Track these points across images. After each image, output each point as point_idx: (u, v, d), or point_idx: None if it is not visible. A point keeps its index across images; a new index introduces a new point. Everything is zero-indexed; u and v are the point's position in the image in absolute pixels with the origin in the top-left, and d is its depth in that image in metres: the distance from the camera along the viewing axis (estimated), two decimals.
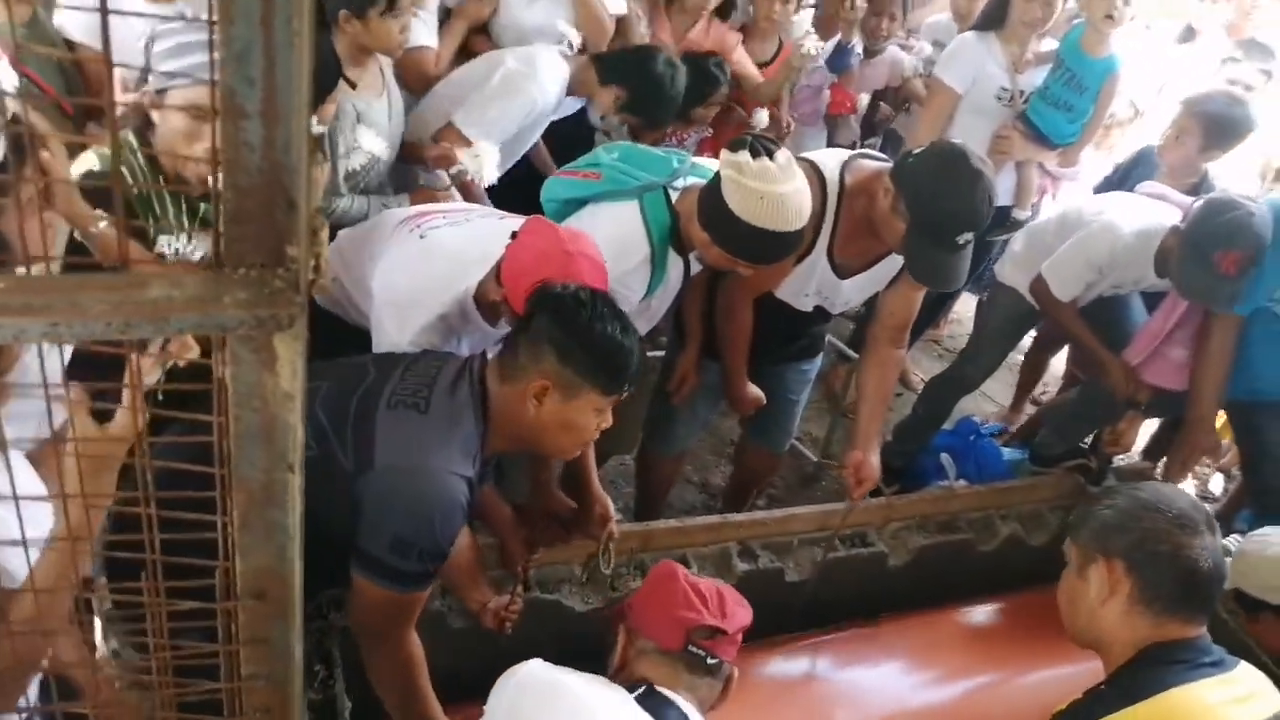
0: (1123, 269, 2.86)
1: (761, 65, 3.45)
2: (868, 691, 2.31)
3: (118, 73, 1.94)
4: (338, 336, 2.02)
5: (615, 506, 2.24)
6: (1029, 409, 4.06)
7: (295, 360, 0.71)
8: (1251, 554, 2.11)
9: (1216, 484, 4.00)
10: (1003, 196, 3.26)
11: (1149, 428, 3.56)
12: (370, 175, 2.52)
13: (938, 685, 2.32)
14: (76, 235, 1.65)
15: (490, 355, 1.75)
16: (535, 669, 1.41)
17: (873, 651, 2.37)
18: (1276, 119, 3.61)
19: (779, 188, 1.94)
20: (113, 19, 0.64)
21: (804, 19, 3.32)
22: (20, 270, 0.75)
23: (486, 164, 2.50)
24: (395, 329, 1.94)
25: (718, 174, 2.01)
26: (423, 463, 1.55)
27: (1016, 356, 3.91)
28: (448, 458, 1.57)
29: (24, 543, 0.88)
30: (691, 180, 2.16)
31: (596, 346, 1.60)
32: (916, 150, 2.17)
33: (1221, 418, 3.03)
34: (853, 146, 3.76)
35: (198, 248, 1.85)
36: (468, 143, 2.54)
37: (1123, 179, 3.36)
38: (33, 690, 1.22)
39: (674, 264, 2.21)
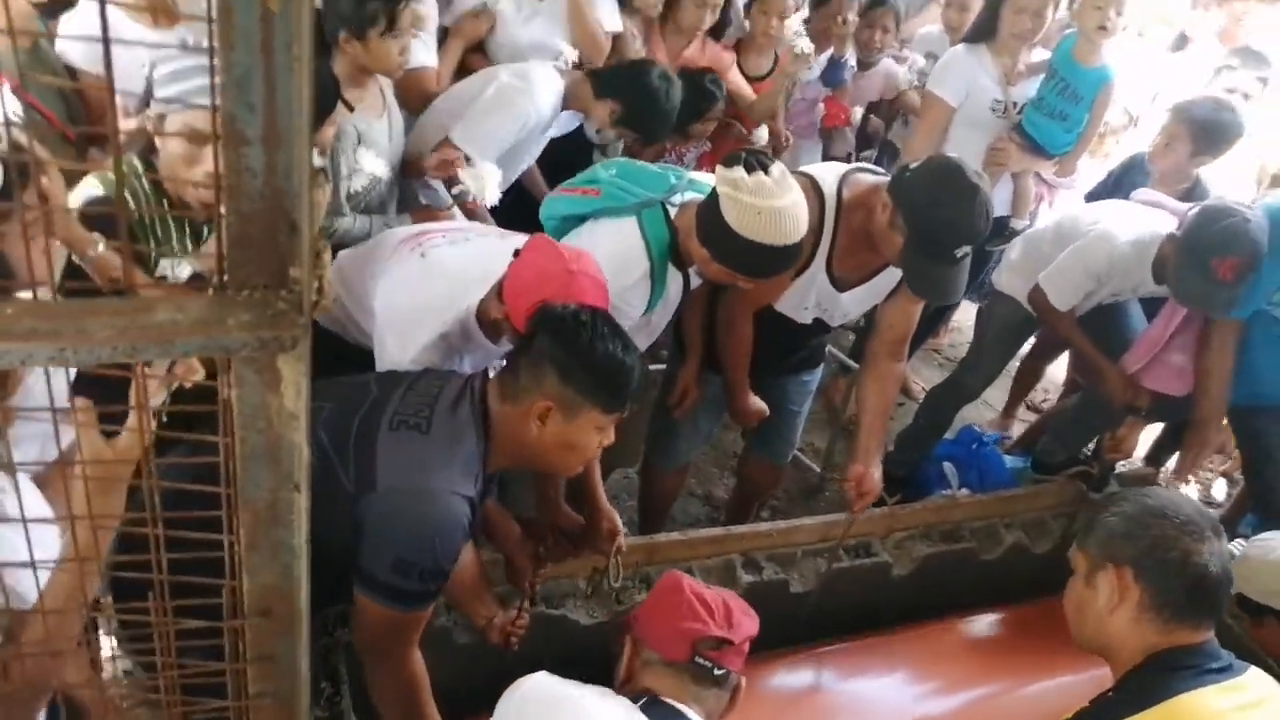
0: (1121, 277, 2.87)
1: (757, 80, 3.46)
2: (872, 702, 2.31)
3: (119, 98, 1.96)
4: (339, 355, 2.02)
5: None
6: (1022, 415, 4.06)
7: (299, 381, 0.72)
8: (1255, 559, 2.11)
9: (1220, 490, 3.99)
10: (1000, 206, 3.27)
11: (1150, 433, 3.57)
12: (372, 195, 2.54)
13: (942, 695, 2.32)
14: (74, 259, 1.66)
15: (491, 374, 1.76)
16: (540, 681, 1.41)
17: (877, 662, 2.37)
18: (1272, 125, 3.64)
19: (776, 202, 1.95)
20: (114, 46, 0.65)
21: (794, 20, 3.33)
22: (25, 294, 0.77)
23: (489, 184, 2.51)
24: (397, 348, 1.95)
25: (714, 190, 2.02)
26: (424, 484, 1.56)
27: (1017, 364, 3.92)
28: (449, 478, 1.58)
29: (33, 565, 0.89)
30: (689, 196, 2.18)
31: (598, 366, 1.61)
32: (913, 164, 2.17)
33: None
34: (848, 158, 3.79)
35: (185, 267, 1.86)
36: (464, 157, 2.56)
37: (1115, 186, 3.37)
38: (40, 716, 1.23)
39: (673, 279, 2.22)
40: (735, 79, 3.41)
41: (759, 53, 3.52)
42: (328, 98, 2.19)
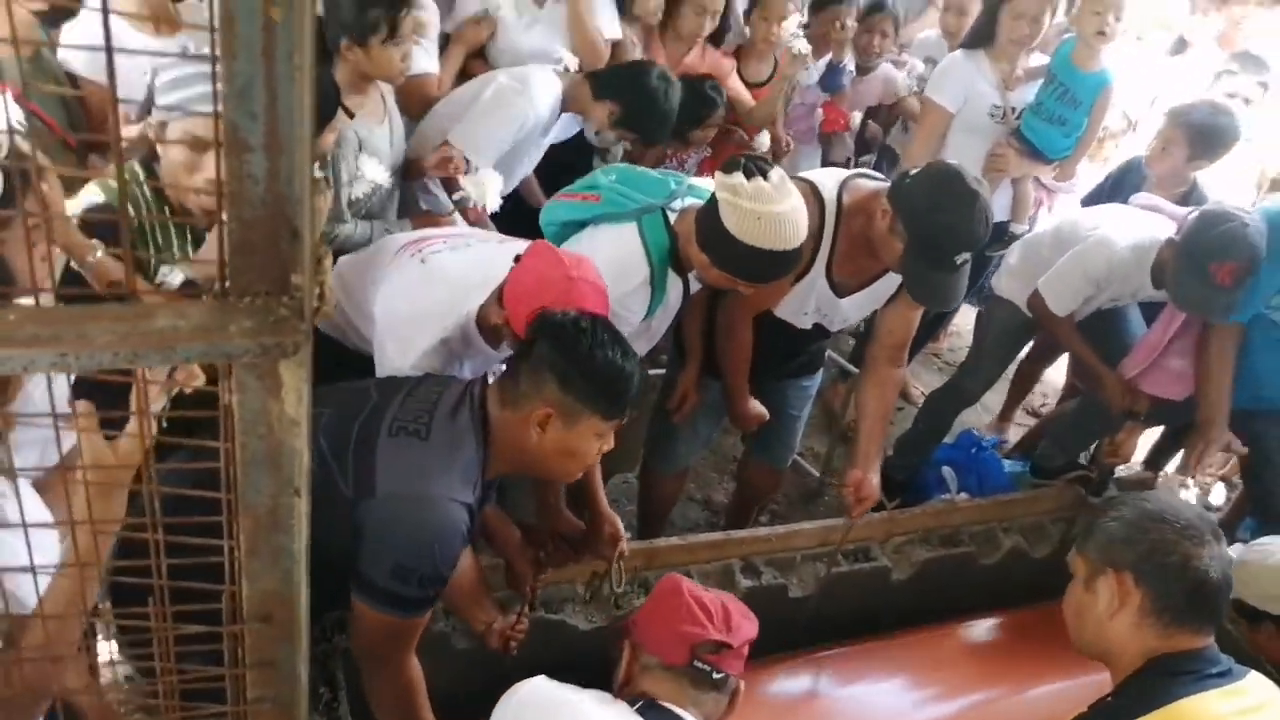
0: (1120, 282, 2.88)
1: (757, 86, 3.47)
2: (871, 707, 2.31)
3: (120, 106, 1.97)
4: (339, 361, 2.03)
5: None
6: (1019, 419, 4.06)
7: (300, 387, 0.72)
8: (1253, 564, 2.11)
9: (1219, 494, 3.99)
10: (999, 211, 3.28)
11: (1149, 438, 3.57)
12: (373, 201, 2.54)
13: (941, 700, 2.32)
14: (73, 265, 1.66)
15: (491, 380, 1.77)
16: (538, 686, 1.42)
17: (876, 667, 2.37)
18: (1273, 130, 3.65)
19: (775, 207, 1.96)
20: (116, 54, 0.65)
21: (791, 22, 3.31)
22: (27, 300, 0.77)
23: (490, 190, 2.52)
24: (397, 353, 1.95)
25: (714, 196, 2.02)
26: (423, 491, 1.56)
27: (1014, 367, 3.92)
28: (448, 485, 1.58)
29: (33, 569, 0.89)
30: (689, 201, 2.18)
31: (598, 374, 1.61)
32: (913, 171, 2.18)
33: None
34: (847, 163, 3.79)
35: (177, 273, 1.86)
36: (464, 159, 2.56)
37: (1112, 189, 3.37)
38: None
39: (673, 284, 2.22)
40: (735, 85, 3.42)
41: (759, 59, 3.53)
42: (328, 104, 2.19)
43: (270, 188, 0.67)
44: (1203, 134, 3.04)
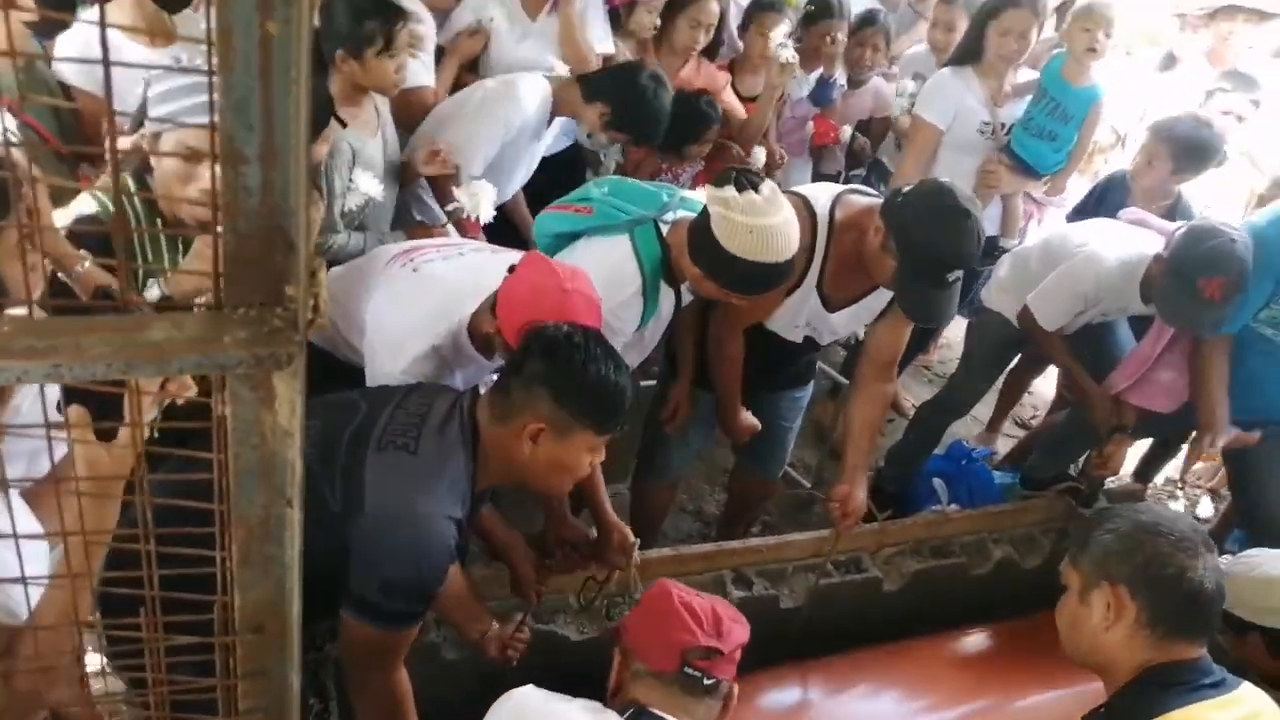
0: (1109, 298, 2.89)
1: (752, 100, 3.48)
2: (863, 718, 2.31)
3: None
4: (329, 373, 2.03)
5: None
6: (1008, 429, 4.08)
7: (294, 398, 0.72)
8: (1240, 575, 2.12)
9: (1205, 507, 4.01)
10: (989, 225, 3.29)
11: (1138, 450, 3.58)
12: (366, 213, 2.55)
13: (932, 711, 2.32)
14: (60, 276, 1.66)
15: (482, 392, 1.77)
16: (528, 695, 1.42)
17: (867, 677, 2.37)
18: (1263, 146, 3.68)
19: (767, 220, 1.97)
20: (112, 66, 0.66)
21: (778, 32, 3.31)
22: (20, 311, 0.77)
23: (483, 201, 2.52)
24: (389, 359, 1.95)
25: (706, 209, 2.03)
26: (411, 507, 1.56)
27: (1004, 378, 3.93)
28: (436, 500, 1.58)
29: (24, 580, 0.89)
30: (681, 213, 2.19)
31: (590, 388, 1.61)
32: (905, 189, 2.19)
33: None
34: (838, 176, 3.81)
35: (155, 288, 1.86)
36: (450, 153, 2.57)
37: (1097, 203, 3.39)
38: None
39: (666, 296, 2.23)
40: (730, 99, 3.43)
41: (753, 73, 3.54)
42: (322, 114, 2.20)
43: (265, 200, 0.67)
44: (1186, 147, 3.07)
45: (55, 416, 1.02)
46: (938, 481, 3.39)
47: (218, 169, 0.66)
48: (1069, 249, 2.95)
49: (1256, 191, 3.70)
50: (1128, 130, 3.85)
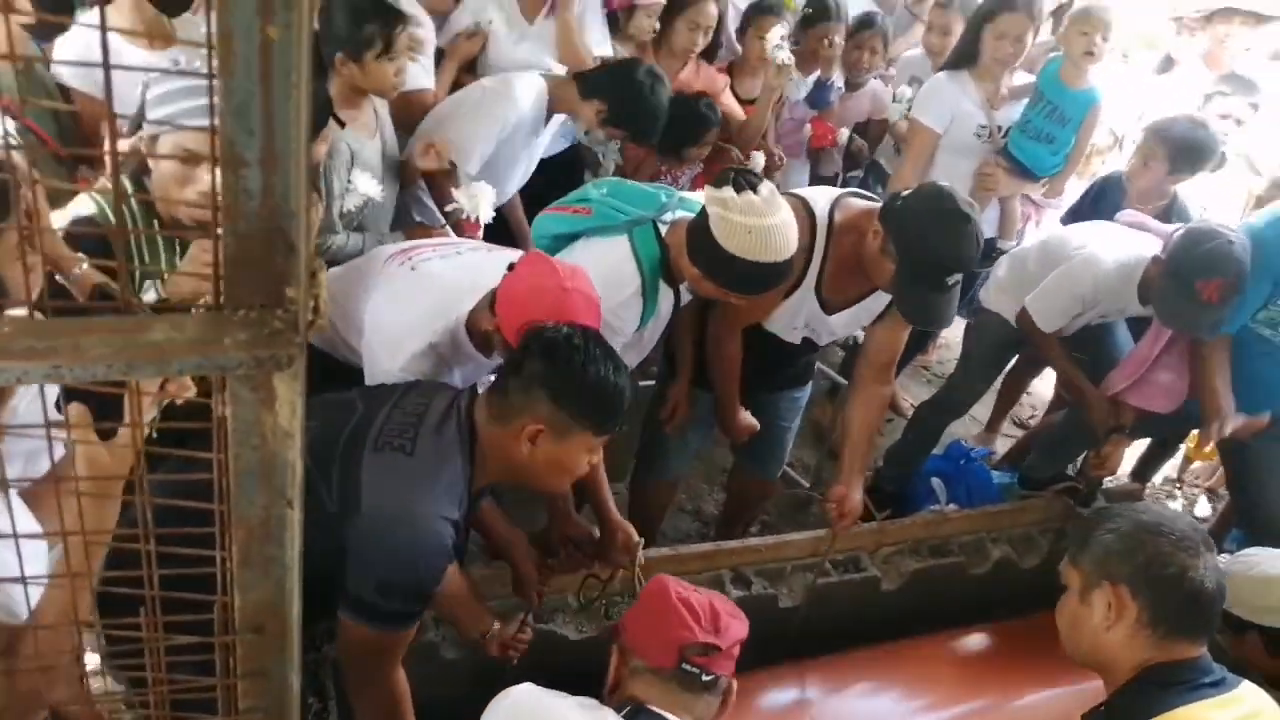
0: (1107, 300, 2.89)
1: (750, 103, 3.49)
2: (861, 717, 2.32)
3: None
4: (327, 373, 2.02)
5: None
6: (1007, 429, 4.08)
7: (294, 399, 0.72)
8: (1238, 575, 2.12)
9: (1203, 507, 4.02)
10: (987, 228, 3.30)
11: (1136, 449, 3.59)
12: (365, 214, 2.55)
13: (931, 710, 2.33)
14: (57, 277, 1.67)
15: (480, 391, 1.77)
16: (525, 692, 1.42)
17: (866, 676, 2.38)
18: (1261, 149, 3.69)
19: (765, 220, 1.97)
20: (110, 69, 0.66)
21: (774, 33, 3.31)
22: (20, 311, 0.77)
23: (482, 202, 2.53)
24: (387, 357, 1.95)
25: (704, 210, 2.04)
26: (408, 508, 1.56)
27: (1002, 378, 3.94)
28: (433, 501, 1.58)
29: (24, 580, 0.89)
30: (680, 214, 2.20)
31: (589, 389, 1.62)
32: (904, 192, 2.20)
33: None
34: (835, 179, 3.81)
35: (150, 290, 1.86)
36: (446, 146, 2.57)
37: (1093, 204, 3.39)
38: None
39: (665, 296, 2.24)
40: (729, 101, 3.44)
41: (752, 75, 3.54)
42: (321, 114, 2.20)
43: (266, 202, 0.67)
44: (1183, 148, 3.07)
45: (54, 415, 1.03)
46: (936, 481, 3.39)
47: (218, 172, 0.67)
48: (1067, 251, 2.95)
49: (1254, 193, 3.71)
50: (1125, 132, 3.86)
